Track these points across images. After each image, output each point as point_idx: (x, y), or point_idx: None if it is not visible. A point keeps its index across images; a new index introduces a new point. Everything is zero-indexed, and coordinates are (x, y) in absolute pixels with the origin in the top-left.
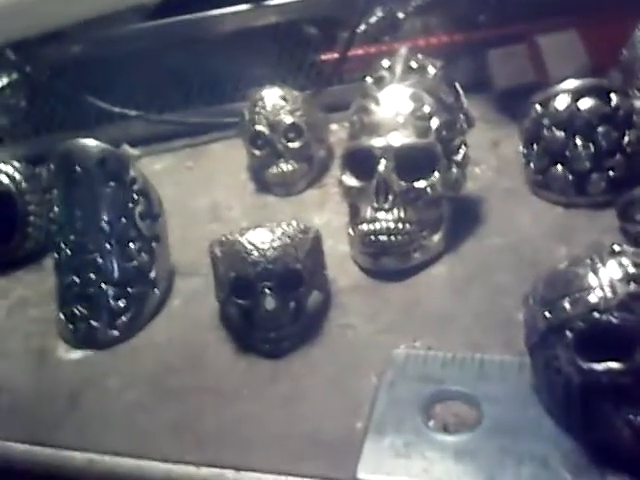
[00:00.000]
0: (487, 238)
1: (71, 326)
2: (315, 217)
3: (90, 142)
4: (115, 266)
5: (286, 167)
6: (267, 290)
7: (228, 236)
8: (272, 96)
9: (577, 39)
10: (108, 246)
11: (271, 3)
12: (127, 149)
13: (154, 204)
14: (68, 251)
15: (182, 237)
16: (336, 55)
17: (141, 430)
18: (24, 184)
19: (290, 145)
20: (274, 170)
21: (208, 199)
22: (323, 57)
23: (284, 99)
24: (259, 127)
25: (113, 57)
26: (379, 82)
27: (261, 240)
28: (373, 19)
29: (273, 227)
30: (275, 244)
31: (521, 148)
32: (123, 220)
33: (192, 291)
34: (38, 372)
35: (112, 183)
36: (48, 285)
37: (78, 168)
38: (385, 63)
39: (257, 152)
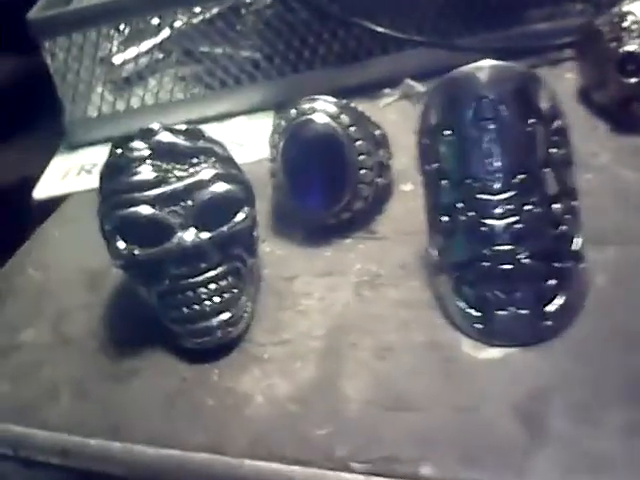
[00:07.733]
0: None
1: (482, 315)
2: None
3: (502, 65)
4: (540, 233)
5: None
6: None
7: None
8: None
9: None
10: (534, 208)
11: None
12: (411, 85)
13: (572, 147)
14: (465, 216)
15: None
16: None
17: None
18: (353, 127)
19: None
20: None
21: None
22: None
23: None
24: (630, 47)
25: None
26: None
27: None
28: None
29: None
30: None
31: None
32: (545, 170)
33: (615, 265)
34: (447, 375)
35: (532, 119)
36: (396, 258)
37: (487, 100)
38: None
39: (626, 80)
